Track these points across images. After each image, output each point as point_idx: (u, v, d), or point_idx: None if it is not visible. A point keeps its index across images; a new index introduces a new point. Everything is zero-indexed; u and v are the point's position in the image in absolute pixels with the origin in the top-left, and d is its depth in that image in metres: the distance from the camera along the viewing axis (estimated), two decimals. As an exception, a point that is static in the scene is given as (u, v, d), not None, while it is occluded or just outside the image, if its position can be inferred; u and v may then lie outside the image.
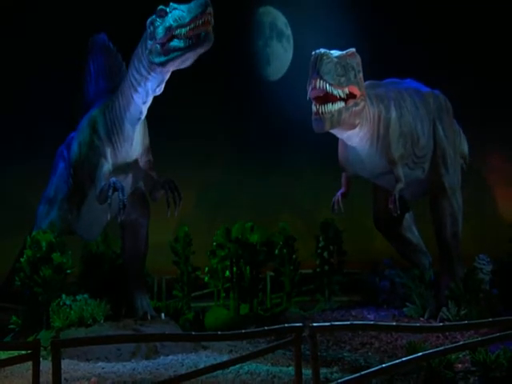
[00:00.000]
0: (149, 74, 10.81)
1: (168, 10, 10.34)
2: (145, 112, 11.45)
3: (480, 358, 8.45)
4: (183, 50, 10.18)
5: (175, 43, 10.23)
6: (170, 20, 10.22)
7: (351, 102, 11.07)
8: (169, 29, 10.21)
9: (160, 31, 10.37)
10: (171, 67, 10.61)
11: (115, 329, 11.21)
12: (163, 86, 11.07)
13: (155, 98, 11.36)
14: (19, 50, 21.06)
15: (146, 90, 11.04)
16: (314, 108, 10.87)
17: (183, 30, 10.02)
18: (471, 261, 13.55)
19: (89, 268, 12.87)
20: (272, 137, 23.58)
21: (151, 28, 10.59)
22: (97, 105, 12.14)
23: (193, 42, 10.07)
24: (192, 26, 9.92)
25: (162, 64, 10.52)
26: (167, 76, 10.91)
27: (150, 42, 10.61)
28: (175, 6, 10.28)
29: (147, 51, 10.68)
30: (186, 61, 10.45)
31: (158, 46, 10.46)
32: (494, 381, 8.29)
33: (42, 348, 7.49)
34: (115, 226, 12.81)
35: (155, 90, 11.04)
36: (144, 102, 11.24)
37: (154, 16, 10.58)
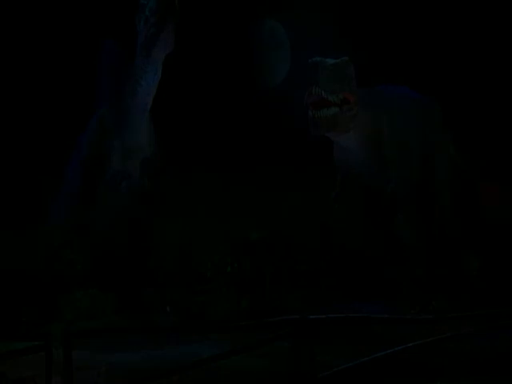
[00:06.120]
0: (145, 66, 11.12)
1: (145, 2, 10.71)
2: (150, 103, 11.66)
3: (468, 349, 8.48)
4: (157, 34, 10.72)
5: (152, 30, 10.78)
6: (146, 11, 10.80)
7: (345, 107, 11.13)
8: (146, 20, 10.76)
9: (142, 24, 10.85)
10: (158, 53, 11.07)
11: (124, 321, 11.24)
12: (160, 73, 11.38)
13: (160, 105, 11.52)
14: (22, 49, 20.97)
15: (147, 82, 11.37)
16: (310, 113, 10.94)
17: (153, 19, 10.66)
18: (460, 257, 13.54)
19: (98, 262, 12.89)
20: (272, 140, 23.56)
21: (138, 23, 11.08)
22: (105, 105, 12.26)
23: (161, 21, 10.63)
24: (158, 13, 10.58)
25: (148, 54, 11.04)
26: (159, 64, 11.28)
27: (139, 36, 11.18)
28: None
29: (139, 44, 11.04)
30: (167, 42, 10.94)
31: (143, 38, 10.83)
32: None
33: (53, 339, 7.52)
34: (124, 221, 12.85)
35: (154, 78, 11.34)
36: (148, 94, 11.50)
37: (139, 12, 11.09)
